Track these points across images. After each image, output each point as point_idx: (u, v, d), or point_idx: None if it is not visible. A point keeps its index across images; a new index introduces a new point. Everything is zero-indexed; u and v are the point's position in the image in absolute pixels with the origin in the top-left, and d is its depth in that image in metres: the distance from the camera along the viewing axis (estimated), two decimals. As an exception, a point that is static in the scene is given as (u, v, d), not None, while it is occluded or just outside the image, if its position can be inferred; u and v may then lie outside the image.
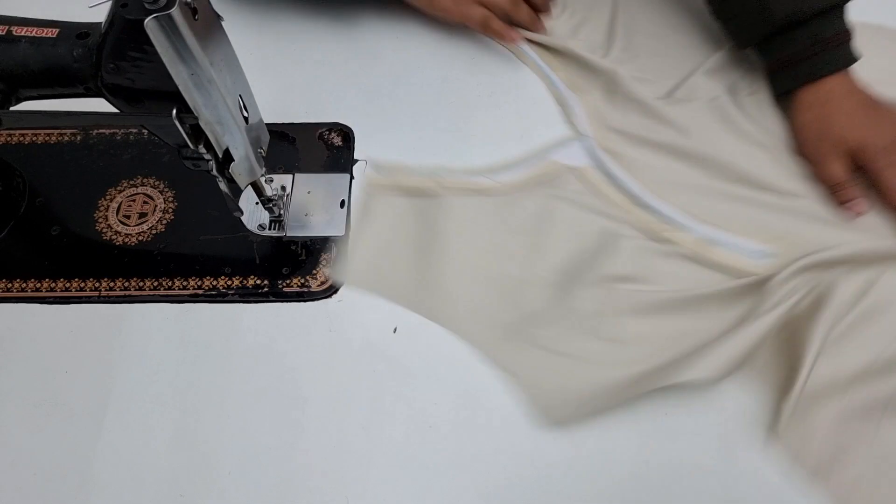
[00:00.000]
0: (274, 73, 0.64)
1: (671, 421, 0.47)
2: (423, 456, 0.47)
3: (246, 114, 0.46)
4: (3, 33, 0.43)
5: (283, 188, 0.56)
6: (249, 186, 0.52)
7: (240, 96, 0.45)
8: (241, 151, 0.47)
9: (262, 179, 0.52)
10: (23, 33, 0.43)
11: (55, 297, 0.53)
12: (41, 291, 0.53)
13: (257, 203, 0.55)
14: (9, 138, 0.61)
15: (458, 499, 0.45)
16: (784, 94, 0.59)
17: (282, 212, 0.56)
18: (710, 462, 0.46)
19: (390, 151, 0.60)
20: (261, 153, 0.49)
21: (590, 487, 0.45)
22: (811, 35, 0.55)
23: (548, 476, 0.46)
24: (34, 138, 0.61)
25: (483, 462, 0.46)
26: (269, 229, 0.56)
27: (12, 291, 0.53)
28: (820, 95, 0.56)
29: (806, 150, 0.57)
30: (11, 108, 0.45)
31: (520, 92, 0.63)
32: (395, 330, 0.51)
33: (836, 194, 0.54)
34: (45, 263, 0.54)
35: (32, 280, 0.54)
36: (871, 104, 0.55)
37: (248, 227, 0.56)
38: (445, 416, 0.48)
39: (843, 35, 0.55)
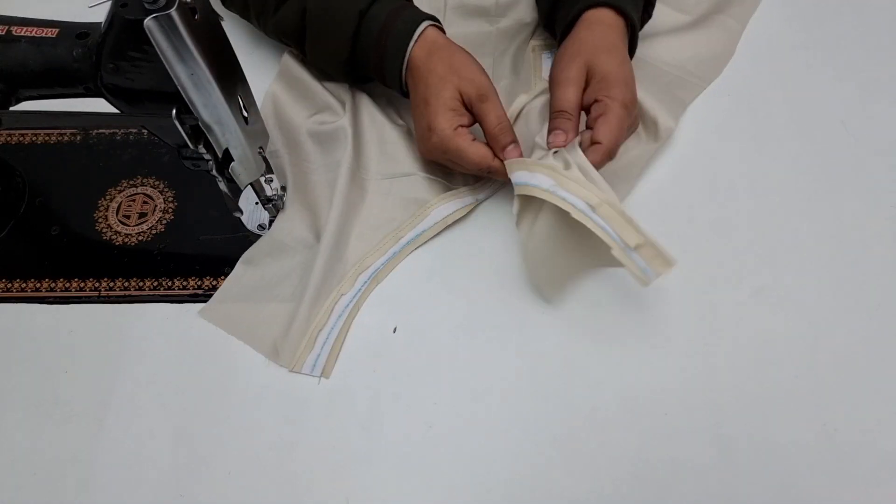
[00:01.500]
0: (273, 72, 0.64)
1: (671, 421, 0.47)
2: (422, 456, 0.47)
3: (246, 114, 0.46)
4: (3, 33, 0.43)
5: (283, 188, 0.56)
6: (249, 186, 0.52)
7: (240, 96, 0.45)
8: (241, 151, 0.47)
9: (262, 179, 0.52)
10: (23, 33, 0.43)
11: (55, 297, 0.53)
12: (41, 291, 0.53)
13: (257, 203, 0.55)
14: (9, 138, 0.61)
15: (457, 499, 0.45)
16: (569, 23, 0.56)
17: (281, 212, 0.56)
18: (710, 462, 0.46)
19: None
20: (260, 153, 0.49)
21: (590, 487, 0.45)
22: None
23: (548, 476, 0.46)
24: (34, 138, 0.61)
25: (483, 462, 0.46)
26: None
27: (12, 291, 0.53)
28: (600, 20, 0.54)
29: (556, 67, 0.53)
30: (11, 108, 0.45)
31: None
32: (394, 330, 0.51)
33: (555, 122, 0.50)
34: (45, 263, 0.54)
35: (32, 280, 0.54)
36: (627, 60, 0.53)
37: (248, 226, 0.56)
38: (445, 416, 0.48)
39: None
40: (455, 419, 0.48)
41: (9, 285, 0.53)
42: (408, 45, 0.53)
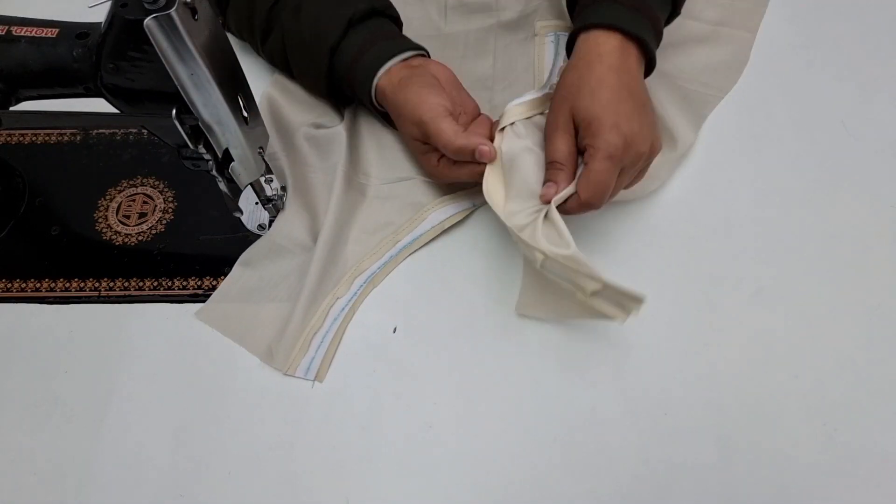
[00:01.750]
0: (273, 72, 0.64)
1: (671, 421, 0.47)
2: (422, 456, 0.47)
3: (246, 114, 0.46)
4: (3, 33, 0.43)
5: (283, 188, 0.56)
6: (249, 186, 0.52)
7: (240, 96, 0.45)
8: (241, 151, 0.47)
9: (262, 179, 0.52)
10: (22, 33, 0.43)
11: (55, 297, 0.53)
12: (41, 291, 0.53)
13: (257, 203, 0.55)
14: (9, 138, 0.61)
15: (457, 499, 0.45)
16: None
17: (281, 212, 0.56)
18: (710, 462, 0.46)
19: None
20: (260, 153, 0.49)
21: (590, 487, 0.45)
22: None
23: (548, 476, 0.46)
24: (34, 138, 0.61)
25: (483, 462, 0.46)
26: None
27: (12, 291, 0.53)
28: (590, 50, 0.49)
29: (549, 112, 0.50)
30: (11, 108, 0.45)
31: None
32: (394, 330, 0.51)
33: (547, 173, 0.48)
34: (45, 263, 0.54)
35: (32, 280, 0.54)
36: (640, 99, 0.48)
37: (248, 226, 0.56)
38: (445, 416, 0.48)
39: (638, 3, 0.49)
40: (455, 419, 0.48)
41: (9, 285, 0.53)
42: (371, 91, 0.54)
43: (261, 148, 0.49)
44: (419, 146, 0.53)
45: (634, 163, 0.47)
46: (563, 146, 0.47)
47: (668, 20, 0.56)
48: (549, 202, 0.46)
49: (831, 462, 0.46)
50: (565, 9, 0.60)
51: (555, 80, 0.52)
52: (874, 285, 0.53)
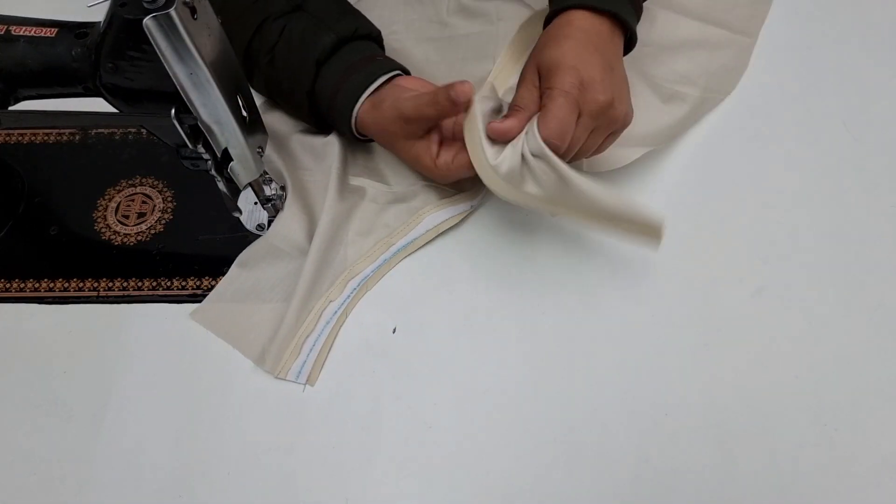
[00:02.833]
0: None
1: (671, 421, 0.47)
2: (422, 456, 0.47)
3: (245, 114, 0.45)
4: (2, 33, 0.43)
5: (283, 188, 0.56)
6: (248, 186, 0.52)
7: (239, 96, 0.45)
8: (240, 151, 0.47)
9: (261, 179, 0.52)
10: (21, 33, 0.43)
11: (54, 297, 0.53)
12: (40, 291, 0.53)
13: (256, 203, 0.55)
14: (8, 138, 0.61)
15: (457, 499, 0.45)
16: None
17: (280, 212, 0.55)
18: (711, 462, 0.46)
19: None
20: (259, 153, 0.49)
21: (590, 488, 0.45)
22: None
23: (548, 476, 0.46)
24: (33, 138, 0.61)
25: (483, 462, 0.46)
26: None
27: (11, 291, 0.53)
28: (562, 23, 0.50)
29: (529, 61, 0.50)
30: (10, 108, 0.45)
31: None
32: (394, 330, 0.51)
33: (509, 112, 0.49)
34: (44, 263, 0.54)
35: (31, 280, 0.53)
36: (608, 59, 0.49)
37: (247, 226, 0.56)
38: (445, 416, 0.48)
39: None
40: (455, 419, 0.48)
41: (8, 285, 0.53)
42: (353, 129, 0.54)
43: (260, 148, 0.49)
44: (412, 145, 0.52)
45: (595, 113, 0.47)
46: (525, 93, 0.49)
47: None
48: (513, 136, 0.47)
49: (832, 463, 0.46)
50: None
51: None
52: (875, 285, 0.53)
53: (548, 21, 0.53)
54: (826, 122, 0.62)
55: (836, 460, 0.46)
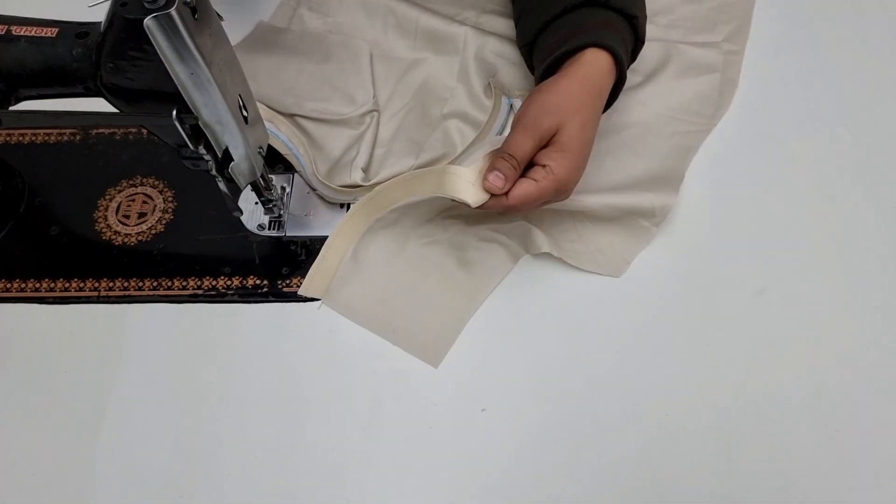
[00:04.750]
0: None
1: (672, 422, 0.47)
2: (422, 456, 0.47)
3: (245, 114, 0.45)
4: (3, 33, 0.43)
5: (283, 188, 0.56)
6: (249, 186, 0.52)
7: (239, 96, 0.45)
8: (241, 151, 0.47)
9: (262, 179, 0.52)
10: (22, 33, 0.43)
11: (55, 297, 0.53)
12: (41, 291, 0.53)
13: (257, 203, 0.55)
14: (8, 138, 0.61)
15: (457, 499, 0.45)
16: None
17: (281, 212, 0.56)
18: (712, 463, 0.46)
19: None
20: (260, 153, 0.49)
21: (590, 487, 0.45)
22: (571, 23, 0.52)
23: (548, 476, 0.46)
24: (34, 138, 0.61)
25: (483, 462, 0.46)
26: (269, 229, 0.56)
27: (12, 291, 0.53)
28: (583, 64, 0.50)
29: (530, 108, 0.49)
30: (11, 108, 0.45)
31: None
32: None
33: (499, 162, 0.48)
34: (45, 263, 0.54)
35: (32, 280, 0.53)
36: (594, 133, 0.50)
37: (248, 227, 0.56)
38: (445, 416, 0.48)
39: (598, 23, 0.51)
40: (455, 420, 0.48)
41: (8, 285, 0.53)
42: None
43: (260, 148, 0.49)
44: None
45: (557, 197, 0.49)
46: (528, 148, 0.48)
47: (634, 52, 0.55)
48: (496, 192, 0.47)
49: (833, 463, 0.46)
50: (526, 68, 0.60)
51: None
52: (876, 286, 0.53)
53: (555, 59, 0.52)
54: (826, 122, 0.62)
55: (837, 461, 0.46)
